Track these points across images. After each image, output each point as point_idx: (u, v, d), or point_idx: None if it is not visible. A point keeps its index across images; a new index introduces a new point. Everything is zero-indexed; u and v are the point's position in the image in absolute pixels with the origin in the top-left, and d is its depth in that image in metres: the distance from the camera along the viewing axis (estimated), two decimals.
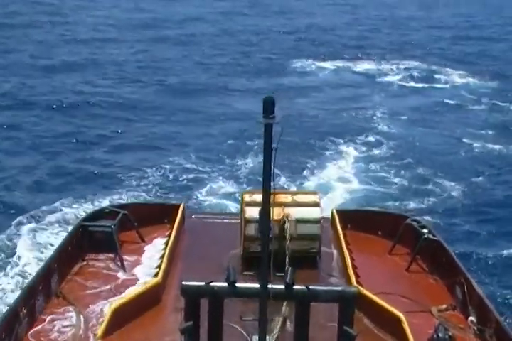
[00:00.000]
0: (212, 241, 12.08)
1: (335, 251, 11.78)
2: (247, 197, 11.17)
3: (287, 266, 9.47)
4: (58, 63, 36.39)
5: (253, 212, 10.19)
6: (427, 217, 18.53)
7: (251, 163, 22.73)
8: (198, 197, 20.30)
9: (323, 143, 25.51)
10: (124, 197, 19.49)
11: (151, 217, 12.60)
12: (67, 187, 20.76)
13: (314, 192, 12.28)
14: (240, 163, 22.95)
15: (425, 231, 11.46)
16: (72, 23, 49.50)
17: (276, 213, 10.27)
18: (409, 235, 11.67)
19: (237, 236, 11.48)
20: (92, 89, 32.11)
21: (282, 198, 11.04)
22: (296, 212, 10.84)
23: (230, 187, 20.93)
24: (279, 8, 62.41)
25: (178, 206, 12.86)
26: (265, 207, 6.53)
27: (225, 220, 13.06)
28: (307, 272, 10.26)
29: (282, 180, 20.69)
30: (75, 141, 24.91)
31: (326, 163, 23.56)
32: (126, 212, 12.04)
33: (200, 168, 22.56)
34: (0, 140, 24.53)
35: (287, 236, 10.45)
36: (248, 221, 10.77)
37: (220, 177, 21.75)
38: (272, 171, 6.40)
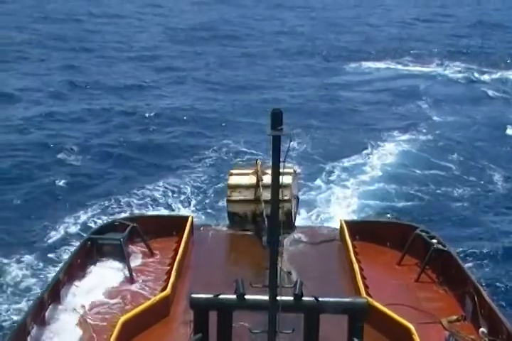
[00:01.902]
0: (221, 253, 12.09)
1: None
2: (234, 170, 13.30)
3: (265, 226, 11.21)
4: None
5: (235, 180, 12.90)
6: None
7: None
8: None
9: (374, 132, 27.48)
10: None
11: (160, 229, 12.62)
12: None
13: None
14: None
15: (434, 241, 11.42)
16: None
17: (252, 179, 12.74)
18: (419, 246, 11.64)
19: (248, 247, 11.73)
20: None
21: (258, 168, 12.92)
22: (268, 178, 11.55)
23: None
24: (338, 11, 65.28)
25: (187, 218, 12.88)
26: (273, 220, 6.52)
27: (234, 232, 13.06)
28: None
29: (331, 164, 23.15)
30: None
31: (375, 149, 25.46)
32: (135, 224, 12.07)
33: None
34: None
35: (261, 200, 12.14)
36: (231, 187, 12.89)
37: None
38: (281, 183, 6.42)
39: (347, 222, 12.73)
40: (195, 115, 29.61)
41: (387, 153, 25.07)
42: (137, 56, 42.77)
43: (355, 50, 46.36)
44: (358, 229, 12.53)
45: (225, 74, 38.10)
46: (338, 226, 12.89)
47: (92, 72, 37.13)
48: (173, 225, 12.72)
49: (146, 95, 33.15)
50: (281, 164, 6.33)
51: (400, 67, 42.25)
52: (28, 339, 8.81)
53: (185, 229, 12.35)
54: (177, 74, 37.84)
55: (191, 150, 25.18)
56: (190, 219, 12.82)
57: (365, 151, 25.02)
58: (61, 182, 21.22)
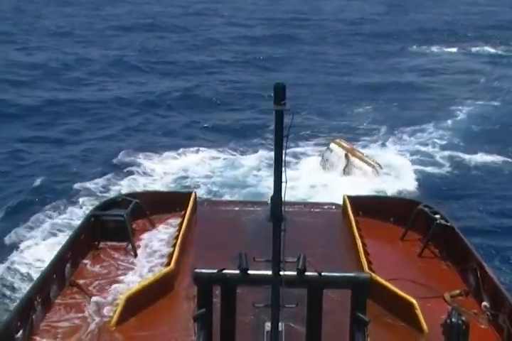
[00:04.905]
0: (224, 229, 12.10)
1: None
2: None
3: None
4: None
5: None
6: None
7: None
8: None
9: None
10: None
11: (163, 205, 12.63)
12: None
13: None
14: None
15: (437, 216, 11.41)
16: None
17: None
18: (422, 221, 11.64)
19: (249, 223, 11.71)
20: None
21: None
22: None
23: None
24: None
25: (190, 194, 12.88)
26: (276, 195, 6.50)
27: (237, 208, 13.07)
28: None
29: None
30: None
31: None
32: (138, 200, 12.07)
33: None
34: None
35: None
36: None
37: None
38: (284, 158, 6.35)
39: (350, 198, 12.71)
40: None
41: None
42: None
43: (420, 35, 47.40)
44: (361, 204, 12.52)
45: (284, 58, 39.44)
46: (341, 202, 12.89)
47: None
48: (176, 201, 12.72)
49: None
50: (284, 139, 6.25)
51: (463, 50, 43.27)
52: (33, 315, 8.85)
53: (188, 204, 12.36)
54: None
55: None
56: (193, 195, 12.82)
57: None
58: None
